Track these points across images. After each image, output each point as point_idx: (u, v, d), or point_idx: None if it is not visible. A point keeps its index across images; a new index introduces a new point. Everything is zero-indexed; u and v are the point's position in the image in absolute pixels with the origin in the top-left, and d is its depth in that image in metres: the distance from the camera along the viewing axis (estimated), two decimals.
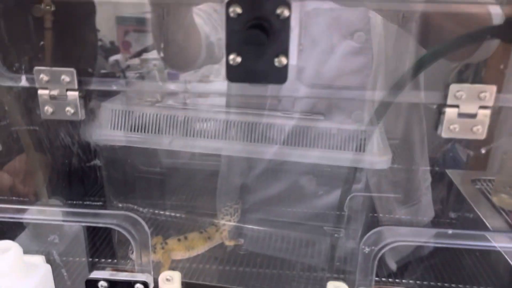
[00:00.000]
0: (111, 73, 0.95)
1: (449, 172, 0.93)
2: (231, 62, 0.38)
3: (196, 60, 0.74)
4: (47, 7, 0.60)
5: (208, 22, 0.73)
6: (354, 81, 0.74)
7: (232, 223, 0.83)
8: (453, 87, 0.40)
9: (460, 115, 0.41)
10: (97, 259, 0.69)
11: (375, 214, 0.81)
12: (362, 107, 0.71)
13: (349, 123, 0.65)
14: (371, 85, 0.72)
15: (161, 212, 0.89)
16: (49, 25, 0.61)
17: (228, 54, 0.38)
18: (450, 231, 0.45)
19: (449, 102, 0.40)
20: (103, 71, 0.94)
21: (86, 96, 0.43)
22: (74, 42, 0.72)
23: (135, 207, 0.85)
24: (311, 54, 0.72)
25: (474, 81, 0.40)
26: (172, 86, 0.82)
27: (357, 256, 0.78)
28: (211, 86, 0.75)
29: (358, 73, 0.72)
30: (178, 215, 0.89)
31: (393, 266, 0.79)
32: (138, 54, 1.02)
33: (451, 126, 0.41)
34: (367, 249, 0.46)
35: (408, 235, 0.46)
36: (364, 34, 0.71)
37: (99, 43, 0.90)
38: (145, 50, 0.99)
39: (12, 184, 0.68)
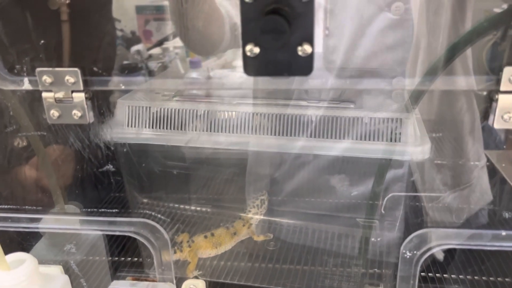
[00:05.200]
0: (133, 64, 0.93)
1: (487, 152, 0.86)
2: (248, 54, 0.34)
3: (220, 44, 0.69)
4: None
5: (234, 2, 0.69)
6: (393, 58, 0.68)
7: (259, 216, 0.80)
8: (508, 70, 0.34)
9: None
10: (118, 264, 0.67)
11: (416, 204, 0.76)
12: (402, 72, 0.66)
13: (382, 110, 0.59)
14: (412, 61, 0.66)
15: (187, 207, 0.87)
16: (66, 18, 0.58)
17: (244, 44, 0.33)
18: (504, 233, 0.39)
19: (502, 87, 0.35)
20: (125, 62, 0.92)
21: (94, 97, 0.40)
22: (89, 40, 0.69)
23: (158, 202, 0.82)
24: (340, 35, 0.67)
25: None
26: (194, 74, 0.78)
27: (395, 252, 0.73)
28: (235, 74, 0.71)
29: (397, 48, 0.66)
30: (204, 209, 0.87)
31: (440, 256, 0.74)
32: (159, 43, 0.99)
33: (505, 115, 0.35)
34: (408, 254, 0.41)
35: (454, 237, 0.41)
36: (403, 4, 0.64)
37: (120, 33, 0.87)
38: (166, 38, 0.97)
39: (37, 178, 0.66)
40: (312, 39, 0.33)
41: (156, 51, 0.98)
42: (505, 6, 0.65)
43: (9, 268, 0.42)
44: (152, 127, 0.66)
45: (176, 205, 0.87)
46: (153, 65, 0.97)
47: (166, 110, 0.66)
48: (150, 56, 0.98)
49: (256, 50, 0.34)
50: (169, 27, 0.92)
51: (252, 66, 0.34)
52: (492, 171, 0.83)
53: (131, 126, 0.66)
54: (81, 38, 0.62)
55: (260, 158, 0.84)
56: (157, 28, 1.00)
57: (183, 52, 0.89)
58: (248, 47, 0.33)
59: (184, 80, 0.54)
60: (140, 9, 1.00)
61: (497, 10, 0.71)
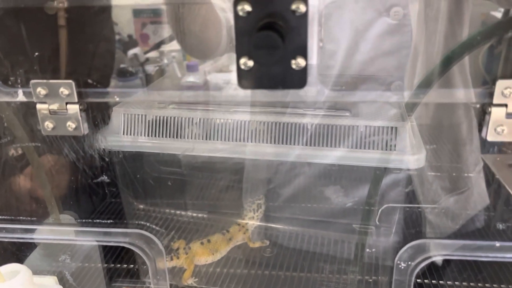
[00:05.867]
0: (130, 67, 0.93)
1: (483, 156, 0.86)
2: (242, 67, 0.34)
3: (217, 47, 0.69)
4: (60, 4, 0.57)
5: (231, 5, 0.69)
6: (392, 63, 0.68)
7: (255, 222, 0.80)
8: (501, 84, 0.34)
9: (509, 115, 0.35)
10: (113, 273, 0.67)
11: (418, 208, 0.76)
12: (401, 77, 0.65)
13: (378, 118, 0.59)
14: (411, 66, 0.66)
15: (183, 213, 0.87)
16: (63, 23, 0.58)
17: (238, 57, 0.33)
18: (497, 244, 0.39)
19: (495, 100, 0.35)
20: (122, 66, 0.92)
21: (88, 109, 0.39)
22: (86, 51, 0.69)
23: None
24: (338, 39, 0.66)
25: None
26: (191, 78, 0.78)
27: (391, 259, 0.73)
28: (231, 77, 0.71)
29: (395, 53, 0.66)
30: (200, 215, 0.86)
31: (438, 260, 0.74)
32: (156, 46, 0.99)
33: (498, 128, 0.35)
34: (403, 265, 0.41)
35: (449, 247, 0.41)
36: (402, 9, 0.64)
37: (117, 37, 0.87)
38: (163, 42, 0.97)
39: (32, 188, 0.66)
40: (306, 52, 0.33)
41: (153, 54, 0.98)
42: (501, 10, 0.65)
43: (3, 279, 0.42)
44: (148, 135, 0.66)
45: (173, 211, 0.86)
46: (150, 68, 0.97)
47: (162, 117, 0.66)
48: (147, 60, 0.97)
49: (250, 63, 0.34)
50: (166, 31, 0.92)
51: (246, 79, 0.34)
52: (489, 175, 0.83)
53: (127, 134, 0.66)
54: (78, 47, 0.62)
55: (257, 165, 0.84)
56: (154, 31, 0.99)
57: (180, 56, 0.89)
58: (242, 60, 0.33)
59: (180, 92, 0.53)
60: (137, 13, 1.00)
61: (494, 13, 0.71)
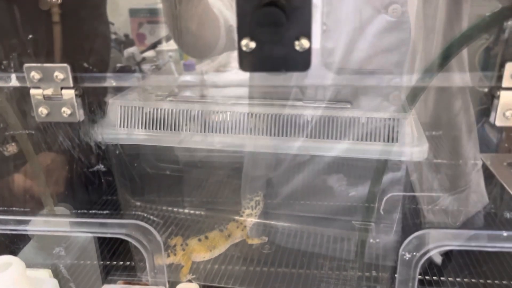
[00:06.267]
0: (127, 66, 0.92)
1: (481, 155, 0.86)
2: (244, 48, 0.33)
3: (215, 46, 0.69)
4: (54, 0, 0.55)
5: (229, 4, 0.68)
6: (390, 60, 0.67)
7: (253, 218, 0.79)
8: (510, 66, 0.33)
9: None
10: (110, 267, 0.65)
11: (413, 206, 0.75)
12: (400, 75, 0.65)
13: (379, 110, 0.59)
14: (409, 64, 0.66)
15: (180, 210, 0.86)
16: (57, 19, 0.56)
17: (240, 38, 0.32)
18: (505, 233, 0.38)
19: (504, 84, 0.34)
20: (118, 64, 0.91)
21: (84, 94, 0.38)
22: (83, 35, 0.68)
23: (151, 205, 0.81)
24: (337, 34, 0.66)
25: None
26: (188, 77, 0.77)
27: (391, 255, 0.72)
28: (230, 76, 0.71)
29: (394, 51, 0.66)
30: (198, 212, 0.85)
31: (438, 259, 0.73)
32: (153, 46, 0.98)
33: (507, 112, 0.34)
34: (407, 256, 0.40)
35: (455, 238, 0.40)
36: (400, 7, 0.64)
37: (113, 36, 0.86)
38: (160, 41, 0.96)
39: (26, 180, 0.64)
40: (310, 33, 0.32)
41: (150, 54, 0.97)
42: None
43: None
44: (145, 128, 0.65)
45: (170, 208, 0.85)
46: (146, 68, 0.96)
47: (159, 110, 0.65)
48: (144, 59, 0.97)
49: (252, 44, 0.32)
50: (163, 30, 0.91)
51: (248, 62, 0.33)
52: (487, 174, 0.82)
53: (123, 127, 0.64)
54: (73, 37, 0.60)
55: (256, 160, 0.83)
56: (150, 31, 0.99)
57: (177, 55, 0.88)
58: (244, 41, 0.32)
59: (177, 78, 0.52)
60: (133, 12, 0.99)
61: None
